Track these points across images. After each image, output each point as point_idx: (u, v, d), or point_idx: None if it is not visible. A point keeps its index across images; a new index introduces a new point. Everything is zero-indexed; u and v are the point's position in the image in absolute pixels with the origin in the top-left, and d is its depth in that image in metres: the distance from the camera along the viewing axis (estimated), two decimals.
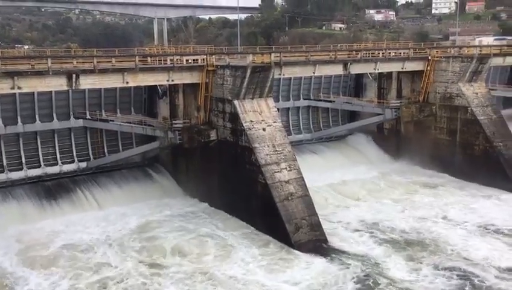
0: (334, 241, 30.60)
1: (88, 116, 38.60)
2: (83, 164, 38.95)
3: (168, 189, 39.12)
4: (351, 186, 40.22)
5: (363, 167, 44.63)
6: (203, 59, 35.58)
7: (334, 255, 28.74)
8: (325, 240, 30.55)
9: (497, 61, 47.66)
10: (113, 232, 31.98)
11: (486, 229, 32.48)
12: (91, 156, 39.43)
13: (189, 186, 38.34)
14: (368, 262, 27.91)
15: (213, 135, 35.56)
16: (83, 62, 32.95)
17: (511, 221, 33.63)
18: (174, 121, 37.11)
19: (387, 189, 40.10)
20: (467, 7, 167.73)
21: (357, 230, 32.42)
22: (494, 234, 31.78)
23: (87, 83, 32.62)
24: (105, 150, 40.01)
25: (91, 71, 32.17)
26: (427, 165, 43.89)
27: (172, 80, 35.29)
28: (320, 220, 31.51)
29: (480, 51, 45.36)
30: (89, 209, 35.57)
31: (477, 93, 42.47)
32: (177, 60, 35.17)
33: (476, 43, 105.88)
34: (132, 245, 30.34)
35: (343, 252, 29.21)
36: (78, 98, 38.24)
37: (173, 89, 38.64)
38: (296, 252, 29.20)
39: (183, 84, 37.08)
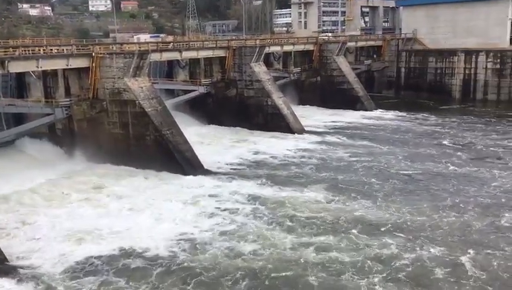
0: (15, 259, 27.54)
1: None
2: None
3: None
4: (28, 195, 36.99)
5: (37, 172, 41.24)
6: None
7: (19, 274, 26.06)
8: (4, 259, 27.20)
9: (156, 56, 52.07)
10: None
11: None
12: None
13: None
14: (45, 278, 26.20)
15: None
16: None
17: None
18: None
19: (71, 193, 38.05)
20: (122, 5, 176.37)
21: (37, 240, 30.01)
22: None
23: None
24: None
25: None
26: (105, 159, 44.27)
27: None
28: None
29: (140, 47, 48.41)
30: None
31: (142, 87, 45.36)
32: None
33: (135, 40, 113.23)
34: None
35: (25, 270, 26.69)
36: None
37: None
38: None
39: None
